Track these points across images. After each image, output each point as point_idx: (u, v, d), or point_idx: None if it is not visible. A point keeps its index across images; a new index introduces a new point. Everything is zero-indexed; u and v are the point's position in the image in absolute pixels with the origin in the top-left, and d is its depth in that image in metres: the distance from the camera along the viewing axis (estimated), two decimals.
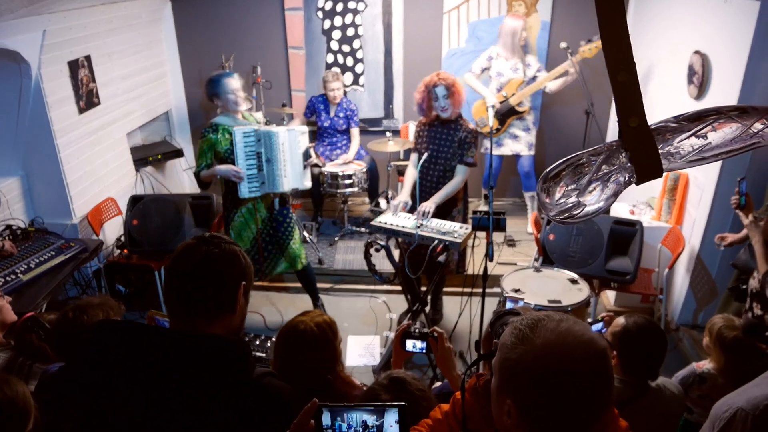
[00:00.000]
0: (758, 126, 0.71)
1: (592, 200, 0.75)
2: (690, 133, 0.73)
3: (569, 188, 0.73)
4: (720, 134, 0.72)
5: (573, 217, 0.78)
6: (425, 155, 3.86)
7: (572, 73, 4.86)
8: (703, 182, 4.02)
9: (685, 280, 4.23)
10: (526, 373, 1.03)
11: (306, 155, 4.05)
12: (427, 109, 3.91)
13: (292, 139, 3.93)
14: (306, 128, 4.10)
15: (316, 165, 5.42)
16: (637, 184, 0.78)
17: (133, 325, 1.41)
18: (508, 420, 1.05)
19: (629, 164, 0.73)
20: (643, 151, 0.71)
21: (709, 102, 3.96)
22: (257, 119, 3.99)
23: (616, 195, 0.77)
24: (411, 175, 4.06)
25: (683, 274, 4.27)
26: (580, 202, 0.74)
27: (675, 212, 4.32)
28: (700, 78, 3.95)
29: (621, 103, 0.75)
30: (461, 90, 3.84)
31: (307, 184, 4.12)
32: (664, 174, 1.01)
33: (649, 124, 0.74)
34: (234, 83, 3.79)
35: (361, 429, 1.16)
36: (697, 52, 3.98)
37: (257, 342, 4.11)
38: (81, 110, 4.31)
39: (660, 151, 0.72)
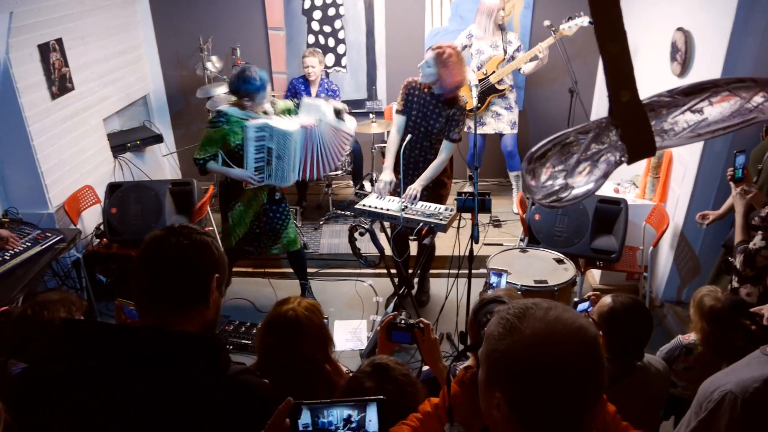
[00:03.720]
0: (758, 99, 0.66)
1: (582, 182, 0.70)
2: (685, 107, 0.68)
3: (556, 169, 0.69)
4: (717, 109, 0.68)
5: (560, 201, 0.74)
6: (408, 137, 3.79)
7: (542, 58, 4.85)
8: (686, 159, 4.02)
9: (669, 257, 4.25)
10: (516, 365, 0.98)
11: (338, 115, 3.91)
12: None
13: (308, 135, 3.83)
14: (335, 106, 3.93)
15: None
16: (629, 163, 0.73)
17: (100, 325, 1.36)
18: (498, 413, 1.01)
19: (620, 142, 0.68)
20: (636, 128, 0.66)
21: (693, 79, 3.93)
22: (266, 109, 3.85)
23: (606, 176, 0.73)
24: (394, 140, 3.90)
25: (667, 251, 4.28)
26: (568, 184, 0.70)
27: (659, 190, 4.32)
28: (683, 55, 3.92)
29: (611, 76, 0.70)
30: (453, 65, 3.57)
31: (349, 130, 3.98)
32: None
33: (641, 99, 0.69)
34: (269, 91, 3.81)
35: (342, 425, 1.12)
36: (680, 29, 3.95)
37: (242, 329, 4.08)
38: (54, 96, 4.18)
39: (653, 128, 0.67)
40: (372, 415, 1.12)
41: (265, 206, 3.99)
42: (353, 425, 1.11)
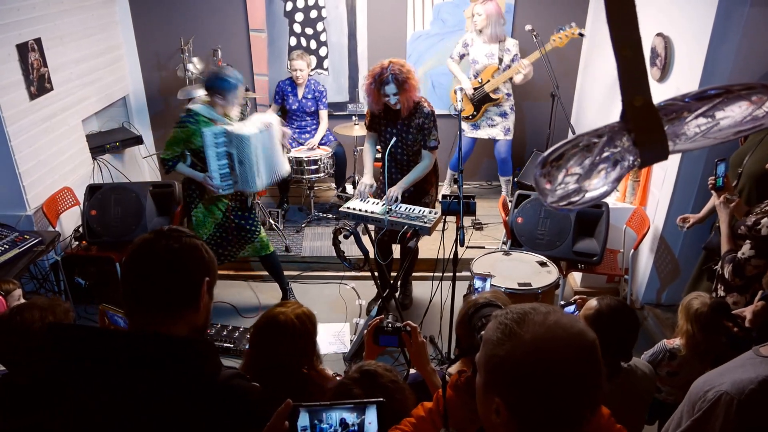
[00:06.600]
0: None
1: (598, 184, 0.71)
2: (698, 113, 0.69)
3: (572, 171, 0.70)
4: (729, 114, 0.69)
5: (573, 204, 0.74)
6: (393, 140, 3.79)
7: (526, 74, 4.91)
8: (666, 163, 4.06)
9: (649, 260, 4.31)
10: (516, 370, 0.98)
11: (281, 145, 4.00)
12: (374, 103, 3.73)
13: (266, 140, 3.84)
14: (277, 118, 4.02)
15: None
16: (641, 167, 0.74)
17: (88, 329, 1.33)
18: (497, 418, 1.01)
19: (633, 146, 0.69)
20: (649, 133, 0.68)
21: (672, 84, 4.00)
22: (231, 117, 3.85)
23: (619, 179, 0.74)
24: (369, 154, 3.99)
25: (647, 254, 4.35)
26: (581, 187, 0.70)
27: (639, 193, 4.38)
28: (663, 60, 3.99)
29: (625, 80, 0.71)
30: (414, 82, 3.63)
31: (286, 168, 4.11)
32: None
33: (655, 103, 0.71)
34: (242, 91, 3.80)
35: (340, 428, 1.11)
36: (659, 35, 4.02)
37: (224, 332, 4.05)
38: (32, 96, 4.11)
39: (666, 132, 0.69)
40: (372, 417, 1.11)
41: (235, 212, 4.01)
42: (353, 428, 1.10)
